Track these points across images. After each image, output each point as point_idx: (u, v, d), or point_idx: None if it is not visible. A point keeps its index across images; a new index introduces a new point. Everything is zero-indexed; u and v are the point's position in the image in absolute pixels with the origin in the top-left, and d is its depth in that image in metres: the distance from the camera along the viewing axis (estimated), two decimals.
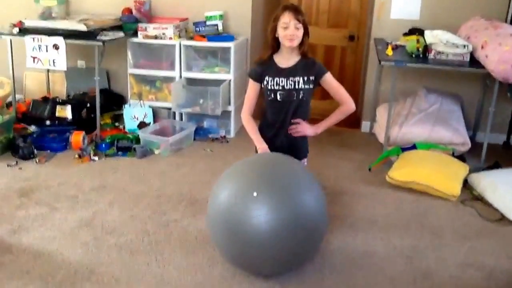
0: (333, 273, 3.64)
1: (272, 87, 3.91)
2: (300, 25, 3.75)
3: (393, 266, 3.75)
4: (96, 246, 3.88)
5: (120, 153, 5.66)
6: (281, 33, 3.78)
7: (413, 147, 5.44)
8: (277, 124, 3.99)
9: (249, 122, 4.05)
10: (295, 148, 4.02)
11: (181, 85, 6.20)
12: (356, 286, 3.52)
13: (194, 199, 4.66)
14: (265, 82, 3.93)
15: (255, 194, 3.20)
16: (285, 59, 3.91)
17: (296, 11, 3.78)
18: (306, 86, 3.90)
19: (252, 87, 4.03)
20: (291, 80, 3.88)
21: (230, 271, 3.59)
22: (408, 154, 5.32)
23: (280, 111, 3.96)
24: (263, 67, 3.95)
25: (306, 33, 3.81)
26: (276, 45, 3.90)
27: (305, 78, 3.88)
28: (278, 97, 3.91)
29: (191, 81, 6.29)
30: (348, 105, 4.00)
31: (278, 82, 3.89)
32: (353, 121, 6.95)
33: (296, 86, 3.88)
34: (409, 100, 6.09)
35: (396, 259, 3.85)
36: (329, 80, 3.96)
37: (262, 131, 4.06)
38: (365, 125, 6.77)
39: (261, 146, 3.91)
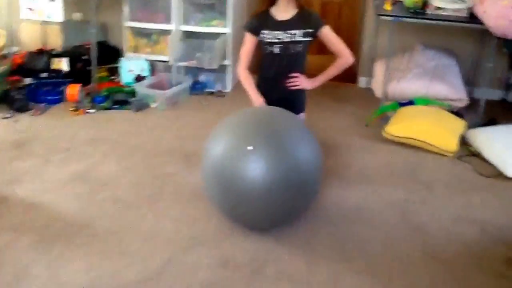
0: (327, 227, 3.64)
1: (269, 40, 3.88)
2: None
3: (386, 220, 3.76)
4: (91, 198, 3.88)
5: (116, 106, 5.63)
6: None
7: (411, 102, 5.39)
8: (274, 77, 3.99)
9: (246, 76, 4.03)
10: (292, 102, 3.99)
11: (178, 38, 6.13)
12: (349, 239, 3.52)
13: (189, 153, 4.65)
14: (262, 35, 3.90)
15: (250, 147, 3.18)
16: (282, 11, 3.87)
17: None
18: (304, 39, 3.88)
19: (248, 41, 3.99)
20: (289, 33, 3.85)
21: (225, 224, 3.59)
22: (405, 109, 5.28)
23: (278, 64, 3.95)
24: (259, 20, 3.91)
25: None
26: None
27: (303, 31, 3.85)
28: (276, 50, 3.90)
29: (188, 34, 6.22)
30: (346, 58, 3.98)
31: (275, 35, 3.86)
32: (350, 76, 6.91)
33: (294, 39, 3.86)
34: (407, 56, 6.05)
35: (389, 212, 3.86)
36: (327, 33, 3.91)
37: (259, 85, 4.06)
38: (362, 80, 6.74)
39: (258, 100, 3.90)
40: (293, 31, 3.84)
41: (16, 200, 3.82)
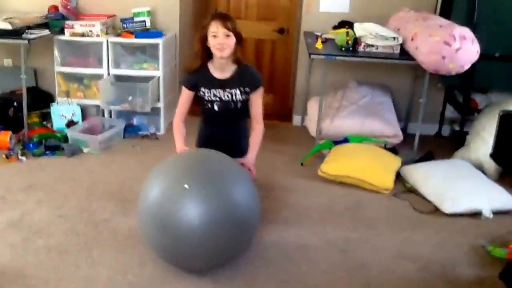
0: (267, 267, 3.67)
1: (209, 98, 3.94)
2: (230, 33, 3.73)
3: (327, 259, 3.80)
4: (25, 247, 3.82)
5: (48, 152, 5.56)
6: (211, 42, 3.76)
7: (345, 140, 5.47)
8: (215, 129, 4.08)
9: (178, 128, 4.07)
10: (235, 145, 4.04)
11: (109, 82, 6.13)
12: (290, 279, 3.55)
13: (123, 197, 4.63)
14: (201, 93, 3.95)
15: (186, 186, 3.22)
16: (220, 69, 3.90)
17: (225, 18, 3.76)
18: (244, 97, 3.94)
19: (185, 95, 4.03)
20: (228, 92, 3.91)
21: (161, 269, 3.58)
22: (340, 147, 5.35)
23: (218, 120, 4.02)
24: (197, 76, 3.96)
25: (239, 40, 3.80)
26: (207, 55, 3.88)
27: (241, 89, 3.91)
28: (216, 107, 3.95)
29: (119, 78, 6.22)
30: (261, 125, 4.05)
31: (215, 93, 3.92)
32: (285, 114, 7.02)
33: (234, 98, 3.92)
34: (340, 93, 6.13)
35: (330, 251, 3.90)
36: (257, 96, 3.98)
37: (201, 129, 4.20)
38: (296, 119, 6.81)
39: (181, 147, 3.94)
40: (232, 90, 3.90)
41: None
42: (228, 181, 3.38)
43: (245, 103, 3.99)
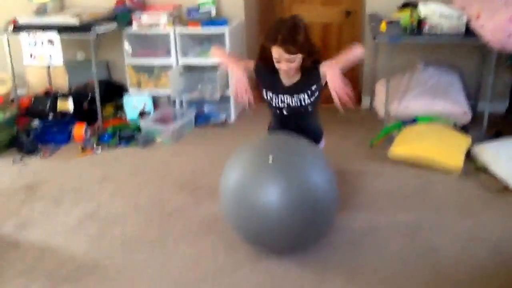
0: (336, 253, 3.67)
1: (277, 105, 3.78)
2: (294, 56, 3.47)
3: (397, 243, 3.77)
4: (100, 238, 3.94)
5: (122, 143, 5.71)
6: (275, 62, 3.55)
7: (414, 121, 5.42)
8: (285, 130, 3.81)
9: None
10: (309, 132, 3.86)
11: (178, 72, 6.22)
12: (359, 266, 3.54)
13: (196, 186, 4.69)
14: (267, 97, 3.80)
15: (270, 160, 3.29)
16: (288, 76, 3.69)
17: (287, 43, 3.43)
18: (313, 99, 3.72)
19: (248, 65, 3.81)
20: (297, 98, 3.71)
21: (233, 257, 3.64)
22: (409, 128, 5.30)
23: (288, 122, 3.85)
24: (266, 75, 3.75)
25: (309, 54, 3.54)
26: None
27: (310, 92, 3.68)
28: (284, 112, 3.81)
29: (188, 67, 6.31)
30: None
31: (282, 99, 3.74)
32: (354, 96, 6.96)
33: (303, 103, 3.71)
34: (408, 74, 6.05)
35: (400, 235, 3.87)
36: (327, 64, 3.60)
37: (271, 123, 4.05)
38: (365, 101, 6.76)
39: (238, 71, 3.70)
40: (301, 96, 3.69)
41: (27, 244, 3.89)
42: (308, 166, 3.41)
43: (315, 104, 3.79)
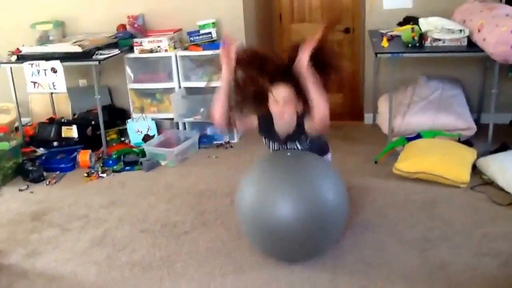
0: (346, 272, 3.65)
1: (272, 148, 3.84)
2: (290, 99, 3.47)
3: (406, 261, 3.74)
4: (109, 264, 3.95)
5: (127, 167, 5.74)
6: (271, 105, 3.55)
7: (418, 136, 5.41)
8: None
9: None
10: (315, 146, 3.85)
11: (181, 95, 6.27)
12: (369, 284, 3.52)
13: (202, 209, 4.70)
14: (263, 139, 3.85)
15: (288, 154, 3.63)
16: (284, 128, 3.69)
17: (286, 81, 3.44)
18: (306, 143, 3.75)
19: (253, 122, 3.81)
20: (290, 145, 3.75)
21: (242, 281, 3.64)
22: (413, 143, 5.29)
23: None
24: (263, 122, 3.74)
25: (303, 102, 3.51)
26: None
27: (303, 137, 3.70)
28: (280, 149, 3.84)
29: (191, 90, 6.36)
30: None
31: (279, 147, 3.80)
32: (356, 113, 6.98)
33: (298, 147, 3.76)
34: (410, 89, 6.07)
35: (409, 253, 3.84)
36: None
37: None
38: (368, 118, 6.78)
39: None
40: (295, 143, 3.73)
41: (36, 273, 3.90)
42: (319, 178, 3.59)
43: (307, 141, 3.75)
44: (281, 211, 3.41)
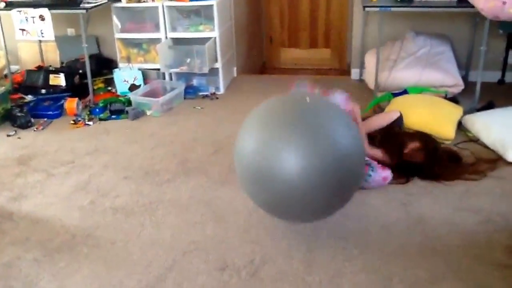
0: (328, 223, 3.67)
1: None
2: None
3: (386, 214, 3.78)
4: (92, 209, 4.04)
5: (113, 116, 5.82)
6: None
7: (404, 92, 5.41)
8: None
9: None
10: None
11: (167, 46, 6.31)
12: (349, 235, 3.56)
13: (185, 158, 4.78)
14: None
15: (307, 99, 3.26)
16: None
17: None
18: None
19: None
20: None
21: (222, 228, 3.71)
22: (399, 99, 5.28)
23: None
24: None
25: None
26: None
27: None
28: None
29: (177, 41, 6.38)
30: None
31: None
32: (342, 68, 7.03)
33: None
34: (398, 44, 6.09)
35: (389, 206, 3.88)
36: None
37: None
38: (354, 73, 6.80)
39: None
40: None
41: (21, 215, 4.00)
42: (332, 128, 3.16)
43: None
44: (287, 163, 3.02)
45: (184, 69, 6.28)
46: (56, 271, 3.35)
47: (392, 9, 5.36)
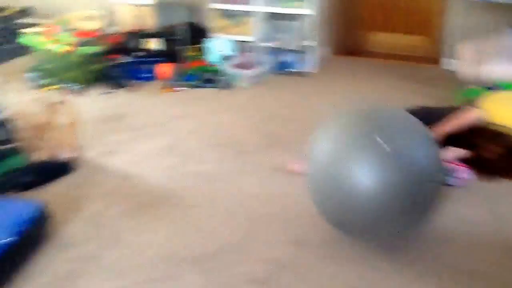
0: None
1: None
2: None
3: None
4: (176, 171, 4.19)
5: (203, 84, 5.97)
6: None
7: (497, 87, 5.22)
8: None
9: None
10: None
11: (262, 19, 6.39)
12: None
13: (269, 132, 4.86)
14: None
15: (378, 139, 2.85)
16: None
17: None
18: None
19: None
20: None
21: (303, 203, 3.50)
22: (492, 94, 4.99)
23: None
24: None
25: None
26: None
27: None
28: None
29: (272, 16, 6.44)
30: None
31: None
32: (433, 57, 6.93)
33: None
34: (494, 38, 5.92)
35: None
36: None
37: None
38: (445, 62, 6.68)
39: None
40: None
41: (111, 170, 4.21)
42: (411, 140, 2.95)
43: None
44: (361, 178, 2.80)
45: (277, 44, 6.35)
46: (138, 225, 3.51)
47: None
